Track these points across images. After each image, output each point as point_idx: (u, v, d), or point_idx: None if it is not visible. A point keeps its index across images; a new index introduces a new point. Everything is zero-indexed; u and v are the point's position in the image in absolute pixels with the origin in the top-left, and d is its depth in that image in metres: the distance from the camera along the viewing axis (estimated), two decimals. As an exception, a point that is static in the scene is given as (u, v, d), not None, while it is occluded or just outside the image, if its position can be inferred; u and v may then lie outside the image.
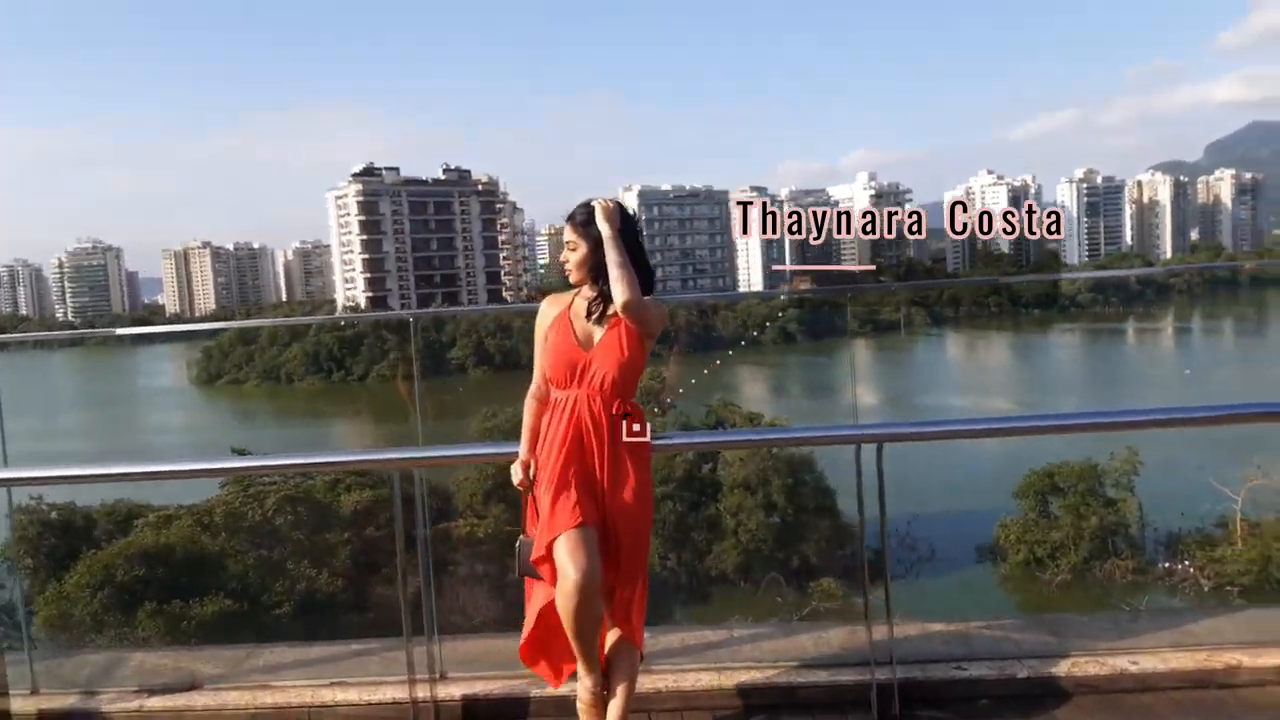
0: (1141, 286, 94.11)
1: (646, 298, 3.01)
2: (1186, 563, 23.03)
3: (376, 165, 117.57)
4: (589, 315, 3.07)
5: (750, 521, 23.95)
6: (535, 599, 3.14)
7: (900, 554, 25.56)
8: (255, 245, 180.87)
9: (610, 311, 3.05)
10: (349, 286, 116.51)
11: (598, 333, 3.05)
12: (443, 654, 3.66)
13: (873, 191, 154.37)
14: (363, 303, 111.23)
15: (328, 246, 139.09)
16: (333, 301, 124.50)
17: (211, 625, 16.13)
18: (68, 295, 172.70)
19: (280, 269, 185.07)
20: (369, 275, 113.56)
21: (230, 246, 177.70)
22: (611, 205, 3.08)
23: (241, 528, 20.00)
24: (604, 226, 3.02)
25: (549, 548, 2.95)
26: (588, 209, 3.09)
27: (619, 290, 2.93)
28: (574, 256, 3.09)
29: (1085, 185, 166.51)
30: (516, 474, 3.13)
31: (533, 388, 3.20)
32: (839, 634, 3.98)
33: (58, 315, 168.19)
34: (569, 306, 3.13)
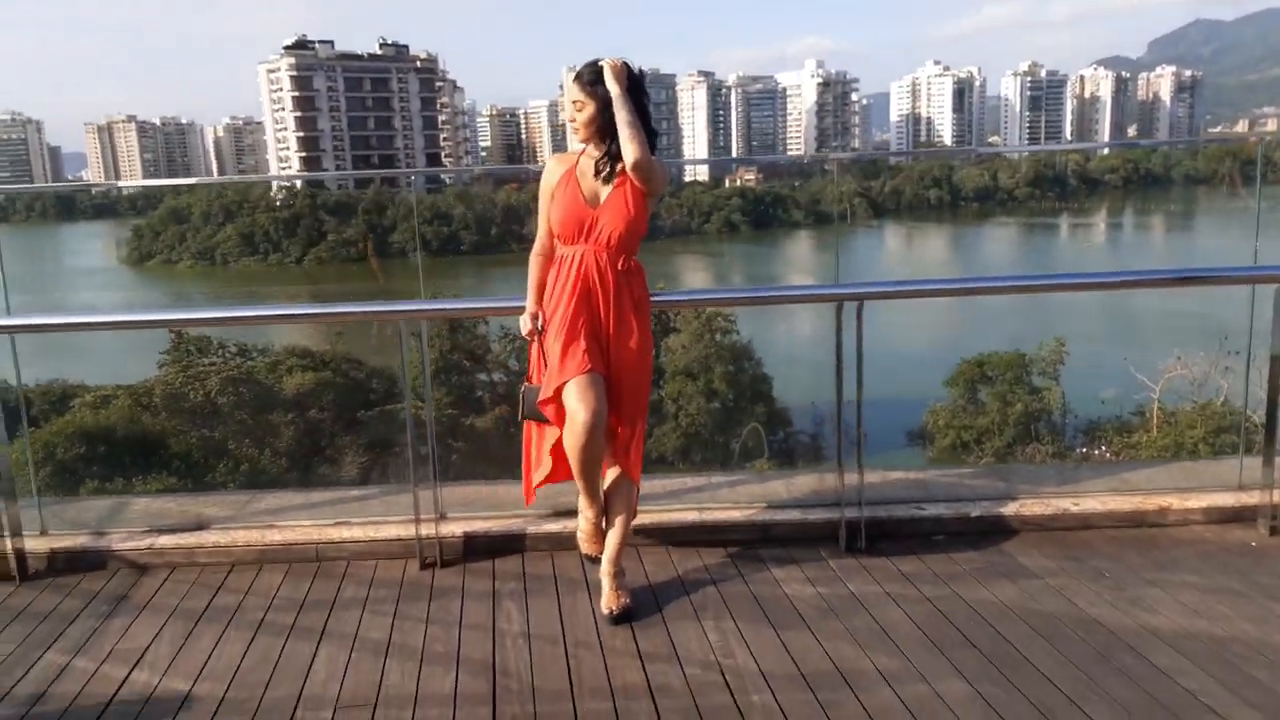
0: (1078, 182, 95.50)
1: (653, 158, 3.08)
2: (1103, 448, 24.18)
3: (309, 38, 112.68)
4: (596, 174, 3.15)
5: (691, 406, 24.51)
6: (536, 440, 3.38)
7: (834, 438, 26.47)
8: (184, 120, 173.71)
9: (617, 170, 3.11)
10: (284, 165, 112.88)
11: (604, 191, 3.14)
12: (442, 498, 3.84)
13: (820, 80, 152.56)
14: (298, 183, 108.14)
15: (260, 123, 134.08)
16: (267, 183, 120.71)
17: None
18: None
19: (210, 146, 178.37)
20: (304, 154, 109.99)
21: (157, 121, 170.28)
22: (619, 64, 3.10)
23: (182, 408, 19.95)
24: (612, 86, 3.05)
25: (558, 391, 3.11)
26: (595, 68, 3.10)
27: (629, 150, 3.00)
28: (581, 115, 3.13)
29: (1029, 79, 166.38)
30: (525, 325, 3.25)
31: (537, 244, 3.31)
32: (809, 480, 4.29)
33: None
34: (575, 165, 3.20)
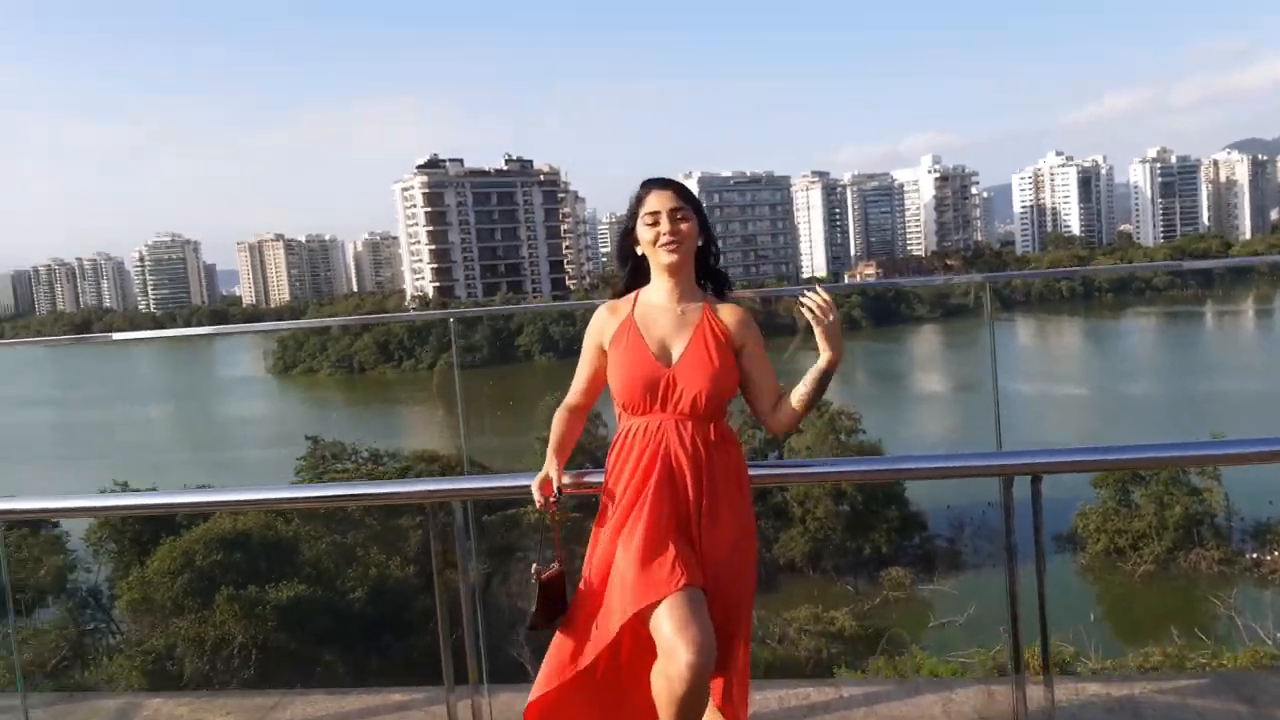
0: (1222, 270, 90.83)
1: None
2: (1277, 553, 22.18)
3: (440, 156, 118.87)
4: (679, 312, 2.57)
5: (818, 510, 23.69)
6: (559, 653, 2.52)
7: (975, 543, 25.11)
8: (326, 237, 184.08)
9: (695, 312, 2.57)
10: (417, 277, 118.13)
11: (678, 341, 2.54)
12: (493, 710, 3.10)
13: (938, 174, 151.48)
14: (430, 293, 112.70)
15: (396, 238, 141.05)
16: (402, 292, 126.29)
17: (286, 610, 16.46)
18: (149, 288, 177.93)
19: (350, 260, 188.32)
20: (436, 266, 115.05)
21: (302, 238, 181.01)
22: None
23: (315, 515, 20.38)
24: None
25: (639, 616, 2.36)
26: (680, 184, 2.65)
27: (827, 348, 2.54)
28: (685, 229, 2.55)
29: (1159, 165, 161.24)
30: (537, 492, 2.56)
31: (568, 398, 2.73)
32: (974, 695, 3.25)
33: (139, 308, 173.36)
34: (632, 310, 2.61)
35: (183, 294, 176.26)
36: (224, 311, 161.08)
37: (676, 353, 2.53)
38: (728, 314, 2.58)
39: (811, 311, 2.44)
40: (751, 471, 2.65)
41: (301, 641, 16.11)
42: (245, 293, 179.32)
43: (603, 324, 2.64)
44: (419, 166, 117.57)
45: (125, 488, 24.17)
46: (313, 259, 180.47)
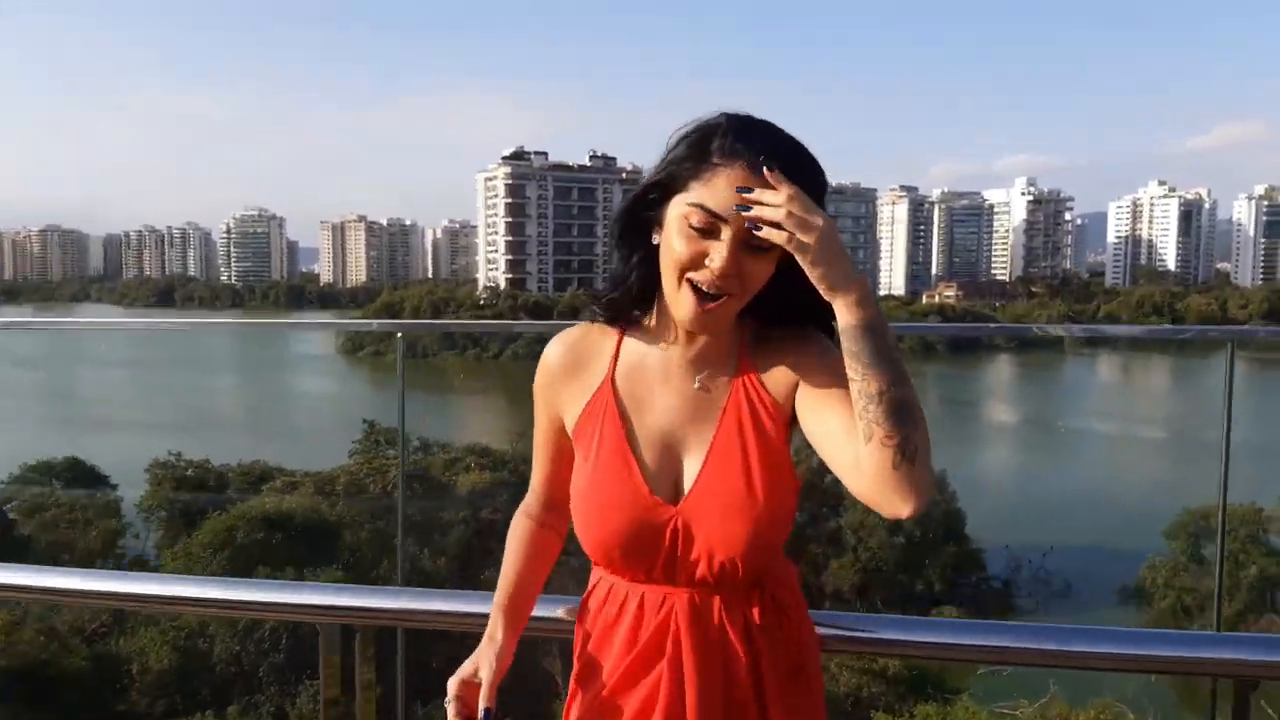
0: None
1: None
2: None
3: (526, 149, 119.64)
4: (696, 384, 1.38)
5: (872, 540, 22.88)
6: None
7: (1031, 587, 24.02)
8: (407, 221, 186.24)
9: (725, 383, 1.38)
10: (490, 267, 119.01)
11: (693, 449, 1.37)
12: None
13: (1031, 197, 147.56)
14: (502, 283, 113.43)
15: (474, 227, 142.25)
16: (474, 281, 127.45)
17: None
18: (232, 260, 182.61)
19: (429, 246, 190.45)
20: (510, 257, 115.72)
21: (384, 221, 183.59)
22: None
23: (361, 498, 20.31)
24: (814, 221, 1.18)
25: None
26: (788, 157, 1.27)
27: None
28: (758, 269, 1.28)
29: (1265, 203, 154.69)
30: (451, 706, 1.42)
31: (527, 500, 1.58)
32: None
33: (222, 278, 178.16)
34: (611, 372, 1.42)
35: (264, 268, 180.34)
36: (300, 288, 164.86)
37: (690, 474, 1.35)
38: (775, 358, 1.37)
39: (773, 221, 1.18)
40: (828, 633, 1.56)
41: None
42: (324, 271, 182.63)
43: (553, 382, 1.45)
44: (504, 157, 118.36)
45: (179, 457, 24.56)
46: (392, 242, 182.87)
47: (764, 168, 1.19)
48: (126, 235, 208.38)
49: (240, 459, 25.34)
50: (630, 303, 1.39)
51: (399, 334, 4.12)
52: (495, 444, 25.66)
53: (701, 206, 1.24)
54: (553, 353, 1.45)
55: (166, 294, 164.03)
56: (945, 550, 23.13)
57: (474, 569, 19.17)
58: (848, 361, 1.19)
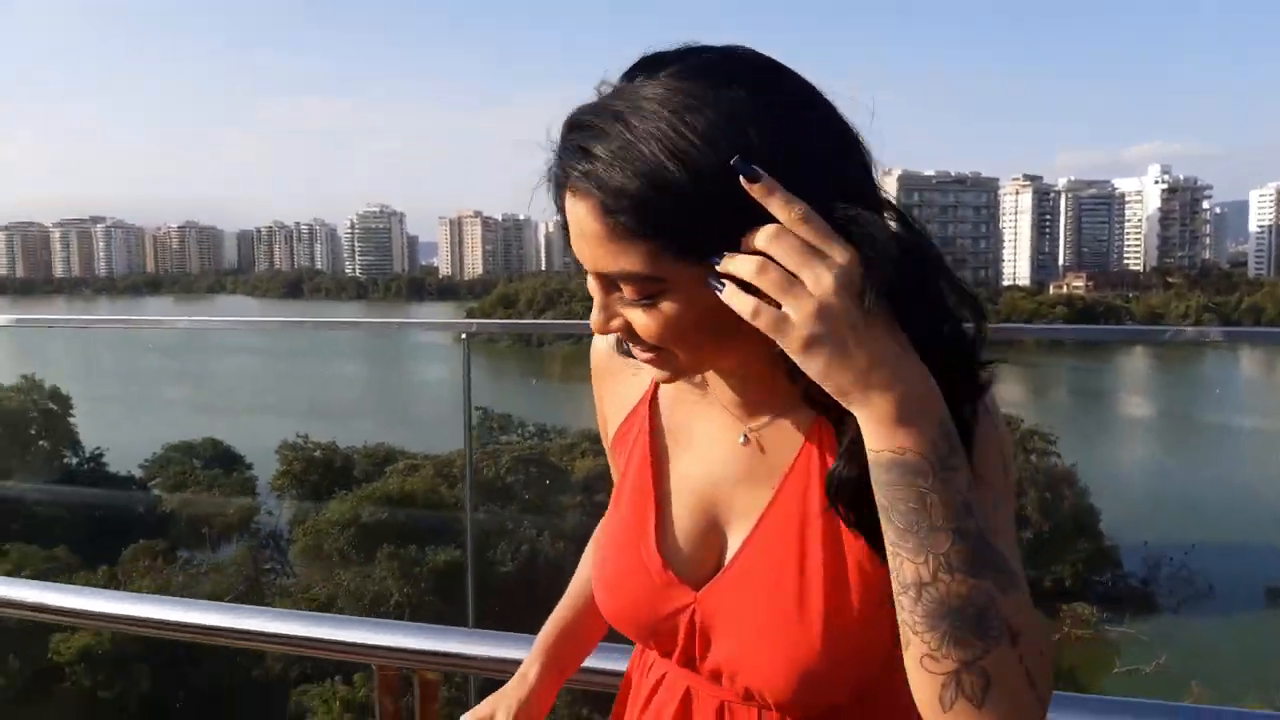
0: None
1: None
2: None
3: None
4: (745, 438, 0.93)
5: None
6: None
7: (1171, 585, 22.79)
8: (521, 217, 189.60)
9: (789, 444, 0.90)
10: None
11: (739, 522, 0.93)
12: None
13: (1165, 186, 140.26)
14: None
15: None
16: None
17: (441, 573, 16.66)
18: (356, 254, 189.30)
19: (542, 240, 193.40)
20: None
21: (498, 216, 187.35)
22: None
23: (476, 482, 20.66)
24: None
25: None
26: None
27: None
28: (646, 320, 0.81)
29: None
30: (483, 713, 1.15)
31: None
32: None
33: (346, 272, 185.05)
34: (652, 394, 1.02)
35: (386, 262, 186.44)
36: (421, 280, 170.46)
37: (729, 551, 0.93)
38: None
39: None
40: None
41: (450, 605, 16.26)
42: (442, 264, 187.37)
43: (600, 373, 1.09)
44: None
45: (306, 439, 25.51)
46: (506, 237, 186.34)
47: (739, 170, 0.70)
48: (258, 231, 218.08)
49: (365, 441, 26.15)
50: None
51: (463, 335, 4.04)
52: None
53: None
54: (600, 341, 1.06)
55: (295, 286, 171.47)
56: (1077, 546, 22.12)
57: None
58: (880, 515, 0.73)
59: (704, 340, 0.80)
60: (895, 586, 0.70)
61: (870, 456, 0.71)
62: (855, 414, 0.71)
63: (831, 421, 0.81)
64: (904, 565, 0.69)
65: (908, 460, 0.68)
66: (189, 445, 25.80)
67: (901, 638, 0.71)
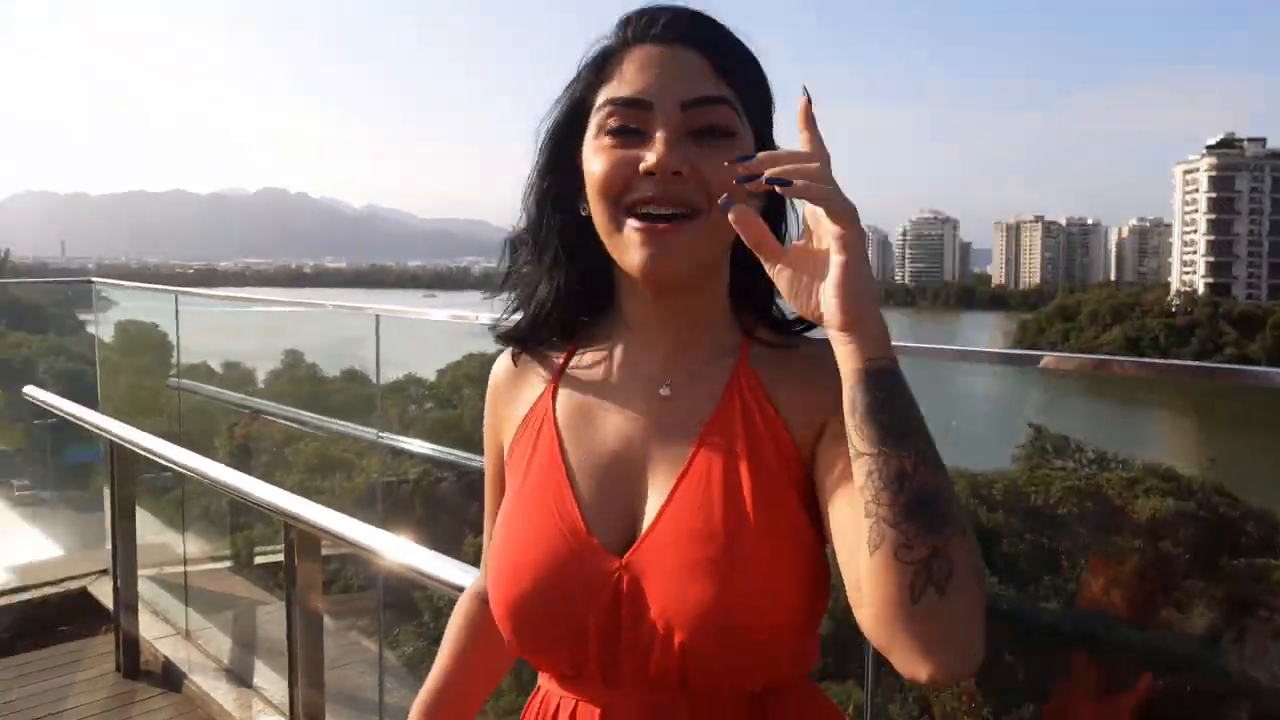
0: None
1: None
2: None
3: (1238, 136, 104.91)
4: (663, 392, 0.93)
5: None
6: None
7: None
8: (1089, 221, 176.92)
9: (707, 389, 0.91)
10: (1186, 270, 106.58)
11: (659, 479, 0.89)
12: None
13: None
14: (1200, 289, 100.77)
15: (1168, 225, 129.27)
16: (1166, 285, 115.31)
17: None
18: (906, 261, 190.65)
19: (1111, 247, 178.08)
20: (1212, 259, 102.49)
21: (1062, 221, 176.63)
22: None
23: (1020, 508, 19.36)
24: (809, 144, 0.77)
25: None
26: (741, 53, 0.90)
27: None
28: (713, 171, 0.85)
29: None
30: None
31: (475, 582, 1.16)
32: None
33: (895, 279, 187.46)
34: (554, 381, 0.99)
35: (936, 269, 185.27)
36: (971, 289, 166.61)
37: (650, 513, 0.88)
38: (796, 370, 0.91)
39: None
40: None
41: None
42: (996, 272, 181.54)
43: (494, 404, 1.04)
44: (1209, 147, 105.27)
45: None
46: (1070, 243, 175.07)
47: (805, 95, 0.76)
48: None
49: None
50: (562, 315, 0.97)
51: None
52: (1182, 469, 22.63)
53: (612, 100, 0.86)
54: (497, 368, 1.04)
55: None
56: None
57: (1153, 607, 17.05)
58: (850, 429, 0.74)
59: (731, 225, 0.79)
60: (874, 486, 0.71)
61: (866, 365, 0.73)
62: (852, 327, 0.73)
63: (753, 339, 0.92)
64: (887, 462, 0.71)
65: (896, 368, 0.74)
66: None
67: (871, 540, 0.71)
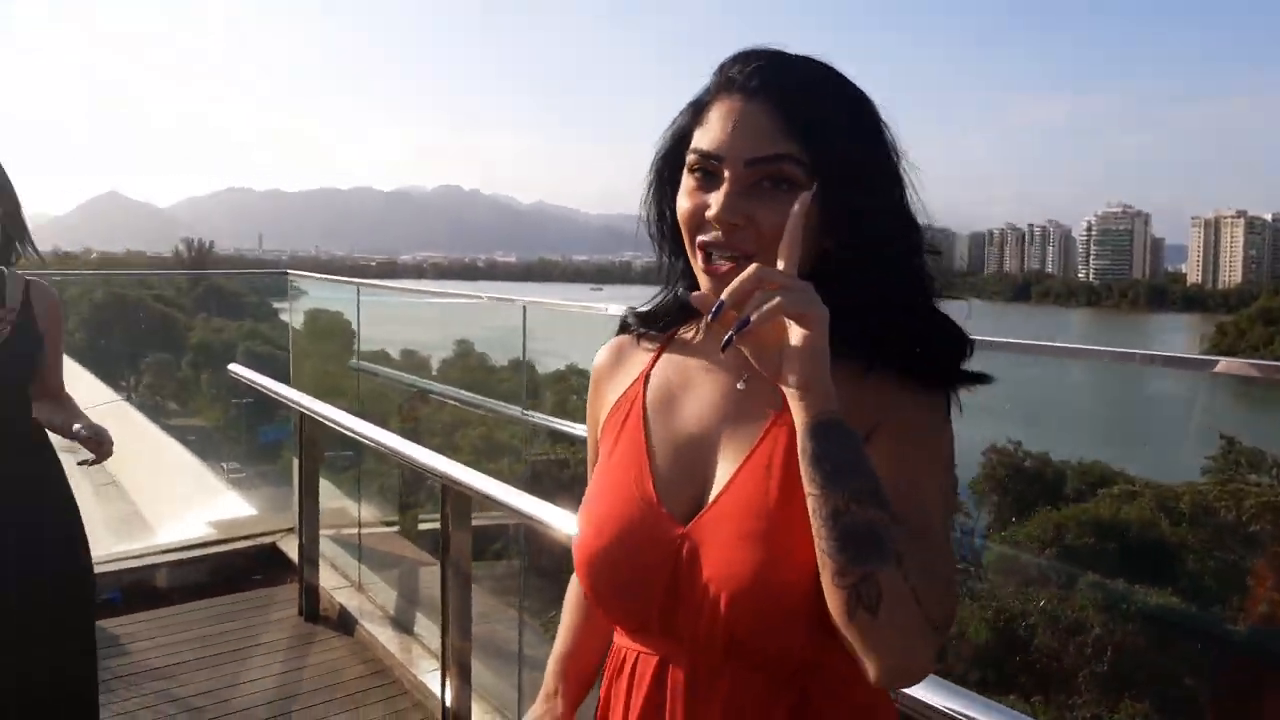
0: None
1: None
2: None
3: None
4: (740, 384, 1.03)
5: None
6: None
7: None
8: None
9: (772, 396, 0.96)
10: None
11: (727, 459, 0.99)
12: None
13: None
14: None
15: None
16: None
17: (1150, 616, 15.02)
18: (1091, 257, 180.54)
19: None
20: None
21: (1268, 217, 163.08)
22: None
23: (1209, 523, 18.12)
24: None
25: None
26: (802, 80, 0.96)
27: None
28: (767, 219, 0.93)
29: None
30: None
31: None
32: None
33: (1078, 275, 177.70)
34: (649, 368, 1.12)
35: (1123, 266, 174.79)
36: (1163, 287, 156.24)
37: (716, 488, 0.98)
38: (858, 379, 0.95)
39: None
40: None
41: (1162, 654, 14.57)
42: (1191, 270, 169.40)
43: (597, 388, 1.18)
44: None
45: (1018, 446, 24.91)
46: (1277, 240, 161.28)
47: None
48: (990, 234, 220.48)
49: (1081, 456, 24.76)
50: (672, 312, 1.11)
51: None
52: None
53: (695, 150, 0.98)
54: (599, 356, 1.19)
55: (1024, 289, 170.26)
56: None
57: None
58: (801, 471, 0.86)
59: (776, 246, 0.90)
60: (816, 521, 0.83)
61: (813, 420, 0.84)
62: (806, 389, 0.85)
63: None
64: (826, 501, 0.82)
65: (839, 420, 0.84)
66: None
67: (820, 563, 0.83)
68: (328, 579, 4.35)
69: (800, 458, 0.85)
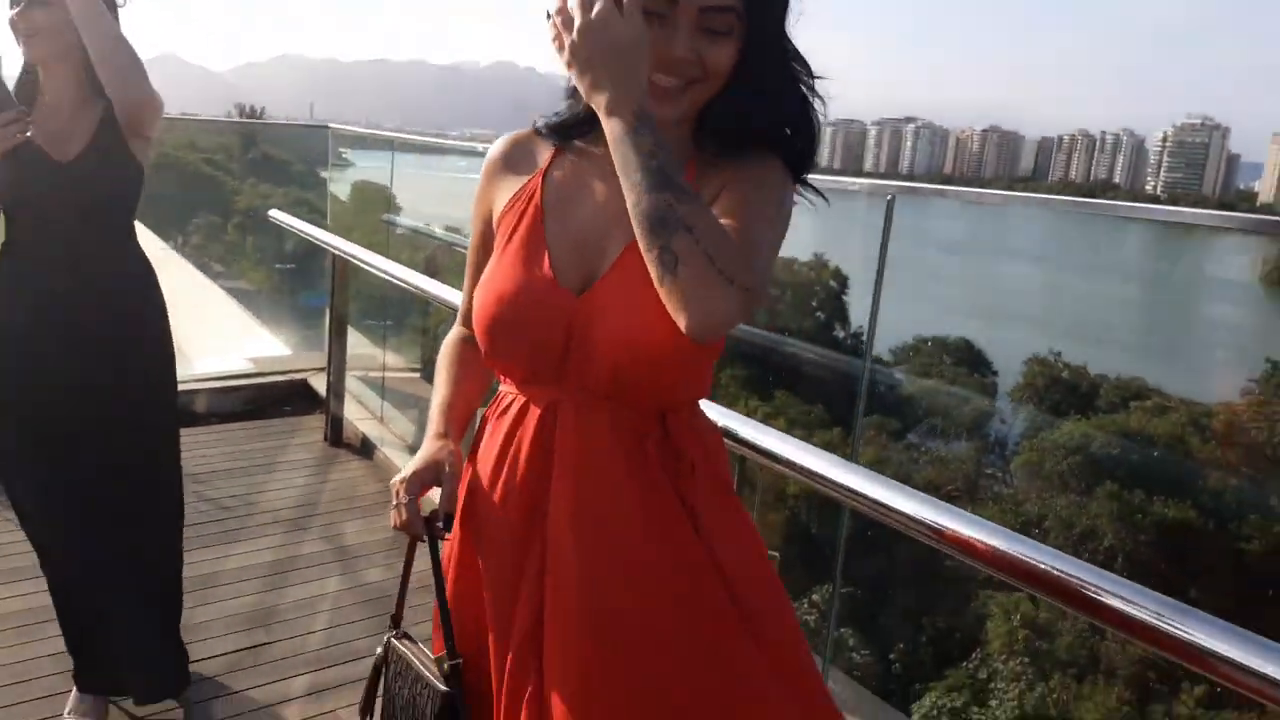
0: None
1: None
2: None
3: None
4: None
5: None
6: None
7: None
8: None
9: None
10: None
11: (622, 236, 1.15)
12: None
13: None
14: None
15: None
16: None
17: (1166, 529, 15.19)
18: (1162, 170, 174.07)
19: None
20: None
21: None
22: None
23: (1240, 443, 18.08)
24: None
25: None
26: None
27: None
28: (715, 56, 1.13)
29: None
30: (398, 512, 1.26)
31: (455, 327, 1.44)
32: None
33: (1147, 188, 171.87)
34: (544, 169, 1.26)
35: (1194, 181, 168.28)
36: (1232, 205, 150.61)
37: (605, 267, 1.16)
38: (719, 171, 1.16)
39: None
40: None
41: (1171, 567, 14.78)
42: (1265, 190, 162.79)
43: (490, 178, 1.30)
44: None
45: (1058, 357, 24.74)
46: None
47: None
48: (1059, 139, 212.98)
49: (1120, 372, 24.63)
50: (582, 122, 1.22)
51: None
52: None
53: None
54: (494, 148, 1.32)
55: (1084, 200, 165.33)
56: None
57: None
58: (615, 163, 1.05)
59: (718, 80, 1.13)
60: (628, 206, 1.02)
61: (606, 129, 1.04)
62: (598, 106, 1.06)
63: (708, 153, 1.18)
64: (628, 195, 1.02)
65: (634, 131, 1.02)
66: (942, 341, 27.06)
67: (638, 244, 1.02)
68: (352, 411, 4.69)
69: (612, 150, 1.04)
